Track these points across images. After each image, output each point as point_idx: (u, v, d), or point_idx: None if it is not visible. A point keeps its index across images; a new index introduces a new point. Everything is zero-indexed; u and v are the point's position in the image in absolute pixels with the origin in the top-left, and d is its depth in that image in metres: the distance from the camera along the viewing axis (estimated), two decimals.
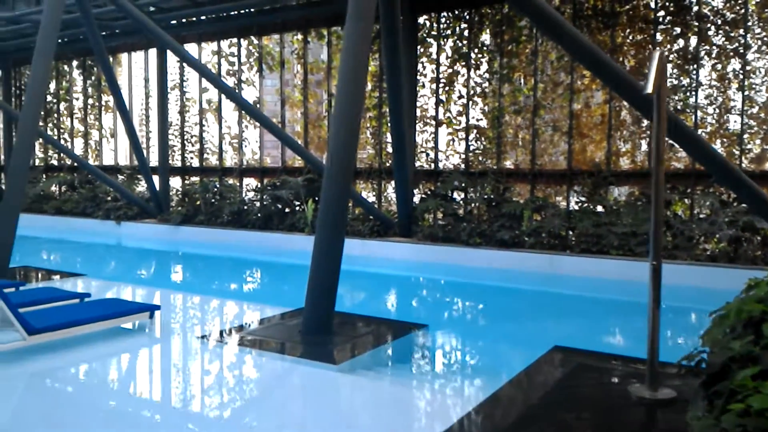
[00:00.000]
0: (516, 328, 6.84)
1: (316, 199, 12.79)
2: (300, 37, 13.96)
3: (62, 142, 17.59)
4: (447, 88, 12.42)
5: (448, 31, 12.38)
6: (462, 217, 11.46)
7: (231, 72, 14.73)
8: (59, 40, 15.48)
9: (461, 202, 11.87)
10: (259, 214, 13.25)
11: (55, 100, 18.04)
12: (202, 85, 15.17)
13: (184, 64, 15.28)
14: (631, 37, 10.85)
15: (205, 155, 15.47)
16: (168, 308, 7.24)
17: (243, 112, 14.63)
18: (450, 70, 12.36)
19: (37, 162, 18.32)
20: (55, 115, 18.11)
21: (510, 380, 4.60)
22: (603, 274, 9.15)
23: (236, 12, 13.71)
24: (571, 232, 10.30)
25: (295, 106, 14.43)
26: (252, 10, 13.47)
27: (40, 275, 9.51)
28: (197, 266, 11.73)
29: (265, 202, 13.59)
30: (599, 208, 10.37)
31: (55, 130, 18.11)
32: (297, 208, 13.08)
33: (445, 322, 7.14)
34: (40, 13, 11.32)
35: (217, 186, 14.44)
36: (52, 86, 17.86)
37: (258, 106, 14.34)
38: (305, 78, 13.98)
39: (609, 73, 7.79)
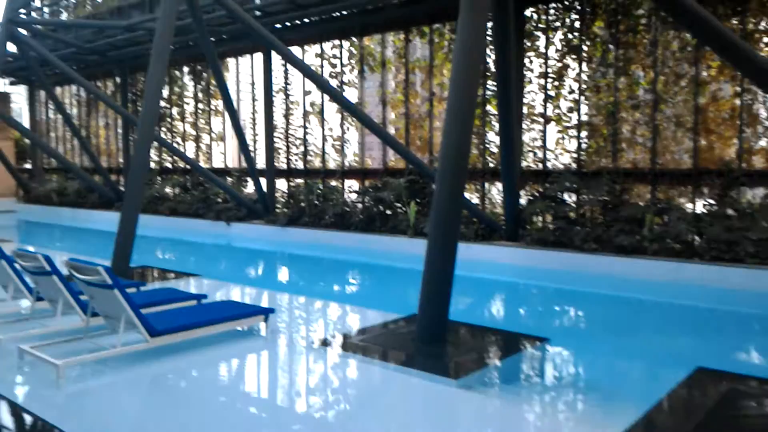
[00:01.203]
0: (648, 345, 6.26)
1: (419, 200, 12.59)
2: (401, 36, 13.80)
3: (175, 145, 18.46)
4: (556, 83, 11.81)
5: (558, 23, 11.76)
6: (574, 220, 10.83)
7: (333, 74, 14.82)
8: (172, 47, 16.26)
9: (573, 204, 11.23)
10: (361, 216, 13.22)
11: (168, 105, 18.98)
12: (305, 88, 15.37)
13: (288, 68, 15.56)
14: (764, 24, 9.80)
15: (309, 157, 15.68)
16: (279, 311, 7.25)
17: (344, 114, 14.70)
18: (559, 64, 11.75)
19: (153, 165, 19.34)
20: (169, 119, 19.05)
21: (653, 407, 4.12)
22: (738, 284, 8.28)
23: (338, 13, 13.75)
24: (698, 238, 9.43)
25: (397, 107, 14.29)
26: (354, 10, 13.46)
27: (157, 275, 9.90)
28: (303, 267, 11.84)
29: (367, 204, 13.54)
30: (729, 211, 9.43)
31: (169, 134, 19.05)
32: (399, 210, 12.93)
33: (567, 336, 6.67)
34: (154, 21, 11.88)
35: (320, 188, 14.57)
36: (166, 92, 18.79)
37: (359, 107, 14.32)
38: (407, 77, 13.80)
39: (746, 61, 7.01)
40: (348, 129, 14.91)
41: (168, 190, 18.00)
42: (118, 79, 20.07)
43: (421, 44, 14.16)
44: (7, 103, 22.88)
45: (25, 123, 24.15)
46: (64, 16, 20.13)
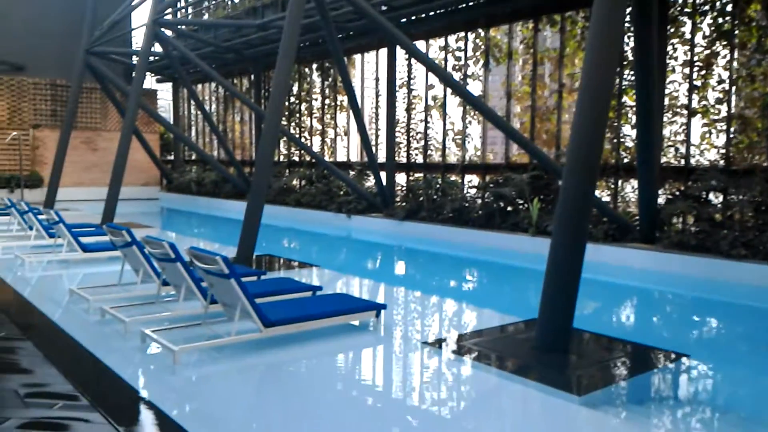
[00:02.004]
0: None
1: (542, 197, 11.95)
2: (530, 25, 13.17)
3: (302, 139, 19.05)
4: (703, 72, 10.69)
5: (706, 6, 10.63)
6: (720, 222, 9.73)
7: (457, 67, 14.50)
8: (301, 45, 16.72)
9: (719, 204, 10.11)
10: (480, 212, 12.81)
11: (297, 101, 19.62)
12: (428, 82, 15.18)
13: (412, 62, 15.45)
14: None
15: (429, 151, 15.49)
16: (392, 306, 7.11)
17: (467, 107, 14.33)
18: (707, 52, 10.61)
19: (281, 158, 20.12)
20: (297, 114, 19.69)
21: None
22: None
23: (464, 4, 13.38)
24: None
25: (522, 100, 13.69)
26: (480, 1, 13.02)
27: (280, 264, 10.17)
28: (420, 262, 11.67)
29: (487, 200, 13.11)
30: None
31: (297, 128, 19.69)
32: (520, 206, 12.37)
33: (709, 352, 5.92)
34: (285, 18, 12.17)
35: (440, 182, 14.32)
36: (295, 88, 19.43)
37: (483, 100, 13.88)
38: (534, 69, 13.15)
39: None
40: (470, 123, 14.52)
41: (294, 182, 18.61)
42: (252, 77, 21.06)
43: (551, 33, 13.45)
44: (154, 100, 24.85)
45: (170, 118, 26.14)
46: (204, 18, 21.45)
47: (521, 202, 12.35)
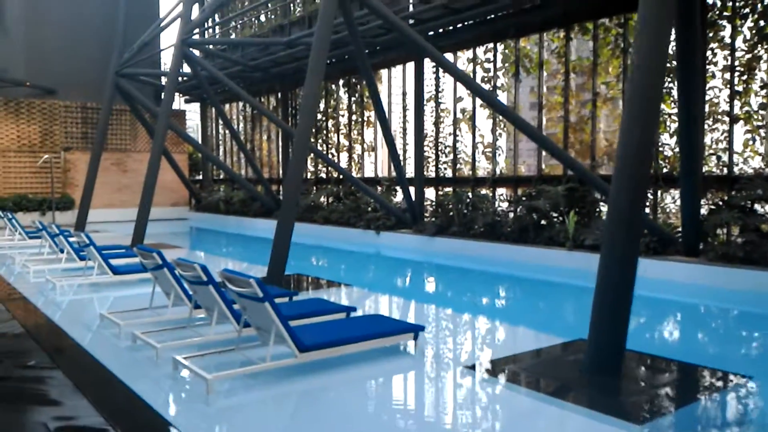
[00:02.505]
0: None
1: (578, 210, 11.60)
2: (561, 34, 12.91)
3: (330, 156, 18.97)
4: (745, 77, 10.29)
5: (746, 9, 10.25)
6: None
7: (486, 78, 14.27)
8: (328, 61, 16.67)
9: (766, 215, 9.65)
10: (513, 226, 12.49)
11: (324, 118, 19.58)
12: (456, 95, 14.98)
13: (440, 75, 15.27)
14: None
15: (458, 165, 15.24)
16: (428, 326, 6.85)
17: (496, 119, 14.08)
18: (749, 56, 10.22)
19: (309, 175, 20.05)
20: (324, 131, 19.64)
21: None
22: None
23: (493, 15, 13.17)
24: None
25: (554, 110, 13.39)
26: (510, 11, 12.80)
27: (310, 283, 9.99)
28: (452, 279, 11.37)
29: (519, 214, 12.79)
30: None
31: (324, 145, 19.62)
32: (555, 220, 12.03)
33: None
34: (312, 36, 12.12)
35: (470, 196, 14.05)
36: (322, 105, 19.40)
37: (515, 112, 13.61)
38: (567, 78, 12.86)
39: None
40: (501, 135, 14.25)
41: (322, 199, 18.51)
42: (279, 95, 21.12)
43: (582, 42, 13.18)
44: (182, 120, 25.09)
45: (198, 138, 26.35)
46: (232, 37, 21.62)
47: (555, 215, 12.01)
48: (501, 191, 14.39)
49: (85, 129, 22.24)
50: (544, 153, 13.24)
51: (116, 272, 9.16)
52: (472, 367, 5.26)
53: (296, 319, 5.84)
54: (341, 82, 18.87)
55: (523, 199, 12.78)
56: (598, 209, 11.86)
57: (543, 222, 12.17)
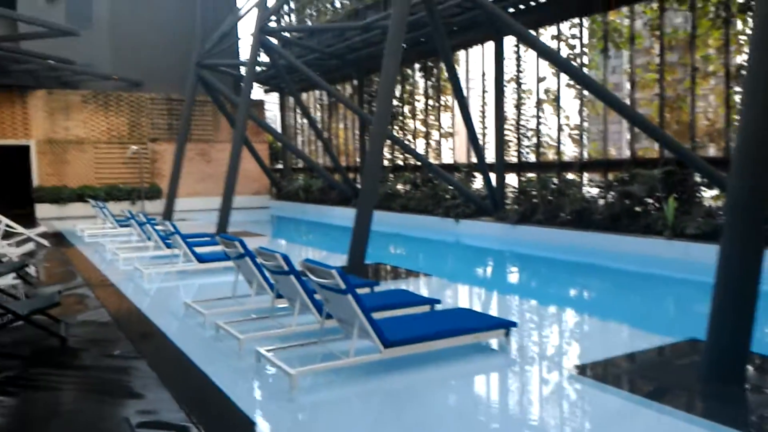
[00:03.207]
0: None
1: (677, 195, 10.75)
2: (655, 5, 11.96)
3: (406, 142, 18.65)
4: None
5: None
6: None
7: (571, 56, 13.49)
8: (403, 45, 16.31)
9: None
10: (603, 213, 11.75)
11: (400, 104, 19.26)
12: (539, 75, 14.26)
13: (521, 55, 14.59)
14: None
15: (542, 149, 14.55)
16: (518, 321, 6.43)
17: (584, 100, 13.29)
18: None
19: (386, 162, 19.83)
20: (400, 117, 19.33)
21: None
22: None
23: None
24: None
25: (647, 87, 12.47)
26: None
27: (389, 273, 9.76)
28: (538, 270, 10.83)
29: (610, 200, 12.03)
30: None
31: (401, 131, 19.33)
32: (651, 206, 11.21)
33: None
34: (388, 18, 11.81)
35: (555, 182, 13.37)
36: (398, 90, 19.08)
37: (609, 90, 12.79)
38: (662, 53, 11.92)
39: None
40: (588, 116, 13.46)
41: (399, 186, 18.26)
42: (355, 82, 20.98)
43: (677, 14, 12.18)
44: (262, 110, 25.48)
45: (277, 128, 26.70)
46: (308, 24, 21.64)
47: (651, 201, 11.19)
48: (589, 176, 13.61)
49: (170, 120, 22.97)
50: (636, 135, 12.38)
51: (201, 260, 9.26)
52: (572, 369, 4.82)
53: (378, 311, 5.59)
54: (417, 66, 18.47)
55: (615, 183, 12.01)
56: (699, 194, 10.95)
57: (637, 209, 11.39)
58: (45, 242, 12.09)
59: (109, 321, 6.28)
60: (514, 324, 5.31)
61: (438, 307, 6.21)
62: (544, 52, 11.46)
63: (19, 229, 11.26)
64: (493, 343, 5.34)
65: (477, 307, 7.26)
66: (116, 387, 4.47)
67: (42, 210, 20.32)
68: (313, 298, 5.50)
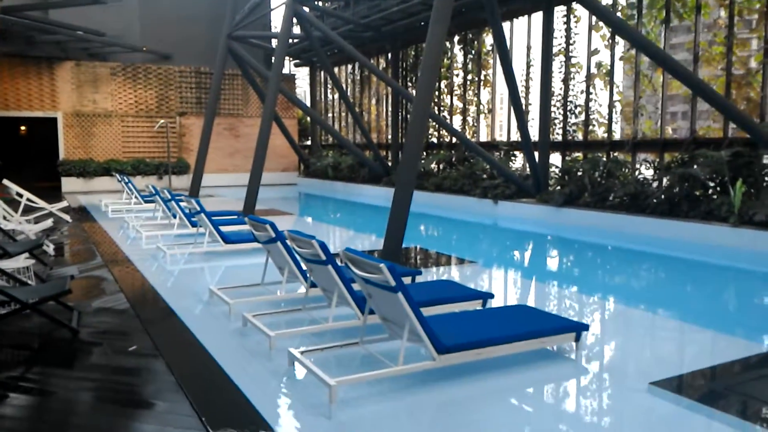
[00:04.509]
0: None
1: (744, 179, 9.79)
2: None
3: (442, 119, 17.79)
4: None
5: None
6: None
7: None
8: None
9: None
10: (659, 197, 10.84)
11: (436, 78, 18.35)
12: (590, 48, 13.26)
13: (572, 26, 13.58)
14: None
15: (590, 127, 13.59)
16: (583, 319, 5.68)
17: (640, 74, 12.28)
18: None
19: None
20: (437, 92, 18.45)
21: None
22: None
23: None
24: None
25: (714, 62, 11.42)
26: None
27: (427, 258, 9.06)
28: (592, 259, 9.99)
29: (667, 183, 11.09)
30: None
31: (436, 108, 18.46)
32: (715, 190, 10.27)
33: None
34: None
35: (605, 162, 12.44)
36: None
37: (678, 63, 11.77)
38: (731, 23, 10.85)
39: None
40: (644, 92, 12.45)
41: (433, 165, 17.46)
42: (389, 55, 20.11)
43: None
44: (292, 84, 24.77)
45: (306, 103, 25.99)
46: None
47: (714, 185, 10.25)
48: (643, 156, 12.65)
49: (199, 94, 22.42)
50: (698, 113, 11.38)
51: (227, 241, 8.66)
52: (656, 383, 4.07)
53: (425, 307, 4.91)
54: (456, 38, 17.51)
55: (673, 165, 11.06)
56: None
57: (698, 193, 10.45)
58: (67, 217, 11.65)
59: (127, 308, 5.70)
60: (585, 327, 4.56)
61: (491, 302, 5.48)
62: (608, 19, 10.47)
63: (41, 203, 10.81)
64: (567, 349, 4.62)
65: (529, 302, 6.52)
66: (126, 391, 3.87)
67: (68, 184, 20.03)
68: (353, 291, 4.83)
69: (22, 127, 22.74)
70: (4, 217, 8.85)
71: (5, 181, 10.88)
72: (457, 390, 3.93)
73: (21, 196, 10.61)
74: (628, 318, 6.10)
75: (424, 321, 3.86)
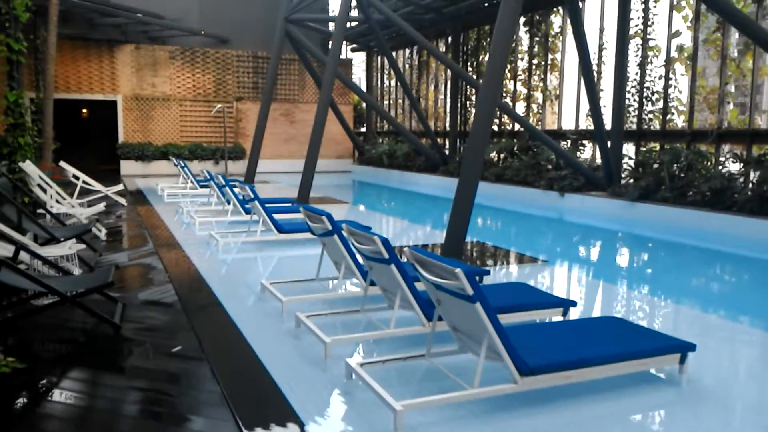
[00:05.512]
0: None
1: None
2: None
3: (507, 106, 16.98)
4: None
5: None
6: None
7: None
8: None
9: None
10: (748, 194, 9.85)
11: None
12: (671, 29, 12.22)
13: (650, 6, 12.55)
14: None
15: (669, 115, 12.57)
16: (687, 337, 4.97)
17: (727, 59, 11.21)
18: None
19: None
20: None
21: None
22: None
23: None
24: None
25: None
26: None
27: (490, 255, 8.43)
28: (674, 260, 9.09)
29: (757, 178, 10.07)
30: None
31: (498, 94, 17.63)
32: None
33: None
34: None
35: (687, 154, 11.45)
36: None
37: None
38: None
39: None
40: (731, 77, 11.38)
41: (493, 155, 16.70)
42: (450, 39, 19.37)
43: None
44: (349, 70, 24.31)
45: (362, 89, 25.51)
46: None
47: None
48: (729, 148, 11.62)
49: (256, 79, 22.24)
50: None
51: (281, 230, 8.27)
52: None
53: (500, 313, 4.32)
54: (522, 20, 16.62)
55: (764, 159, 10.03)
56: None
57: None
58: (122, 200, 11.54)
59: (174, 302, 5.34)
60: (692, 347, 3.88)
61: (574, 311, 4.84)
62: None
63: (96, 186, 10.71)
64: (670, 372, 3.96)
65: (618, 313, 5.78)
66: (164, 403, 3.45)
67: (126, 167, 20.21)
68: (417, 294, 4.30)
69: (84, 110, 23.11)
70: (57, 201, 8.71)
71: (62, 163, 10.83)
72: (544, 419, 3.35)
73: (77, 178, 10.52)
74: (731, 332, 5.34)
75: (505, 337, 3.28)
